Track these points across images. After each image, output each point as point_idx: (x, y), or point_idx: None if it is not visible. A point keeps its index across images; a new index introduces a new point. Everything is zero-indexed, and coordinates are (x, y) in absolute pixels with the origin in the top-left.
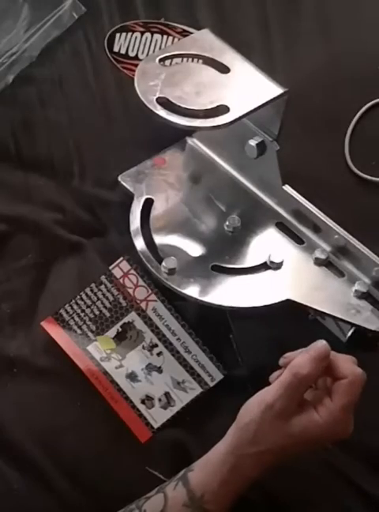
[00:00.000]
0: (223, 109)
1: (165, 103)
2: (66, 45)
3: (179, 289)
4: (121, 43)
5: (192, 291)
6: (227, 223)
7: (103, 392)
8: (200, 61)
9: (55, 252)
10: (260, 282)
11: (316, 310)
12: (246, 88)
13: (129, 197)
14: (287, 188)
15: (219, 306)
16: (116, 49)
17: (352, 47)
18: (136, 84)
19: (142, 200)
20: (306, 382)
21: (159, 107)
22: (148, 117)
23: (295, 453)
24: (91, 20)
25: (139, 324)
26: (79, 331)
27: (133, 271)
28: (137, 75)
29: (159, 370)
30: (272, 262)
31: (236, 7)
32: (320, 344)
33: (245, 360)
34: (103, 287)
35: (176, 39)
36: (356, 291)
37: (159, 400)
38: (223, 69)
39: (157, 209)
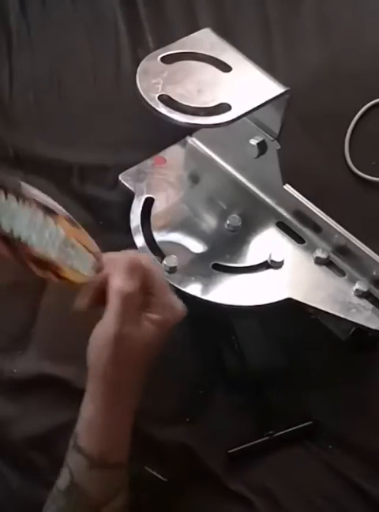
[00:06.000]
0: (224, 107)
1: (167, 100)
2: (66, 44)
3: (180, 287)
4: None
5: (193, 289)
6: (228, 222)
7: None
8: (202, 59)
9: None
10: (261, 281)
11: (316, 309)
12: (248, 86)
13: (129, 197)
14: (288, 187)
15: (220, 304)
16: None
17: (352, 47)
18: (137, 82)
19: (143, 199)
20: (135, 298)
21: (160, 104)
22: (149, 116)
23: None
24: (91, 20)
25: None
26: None
27: None
28: (139, 73)
29: None
30: (272, 261)
31: (236, 7)
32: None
33: (246, 359)
34: None
35: None
36: (357, 290)
37: None
38: (225, 67)
39: (158, 208)
